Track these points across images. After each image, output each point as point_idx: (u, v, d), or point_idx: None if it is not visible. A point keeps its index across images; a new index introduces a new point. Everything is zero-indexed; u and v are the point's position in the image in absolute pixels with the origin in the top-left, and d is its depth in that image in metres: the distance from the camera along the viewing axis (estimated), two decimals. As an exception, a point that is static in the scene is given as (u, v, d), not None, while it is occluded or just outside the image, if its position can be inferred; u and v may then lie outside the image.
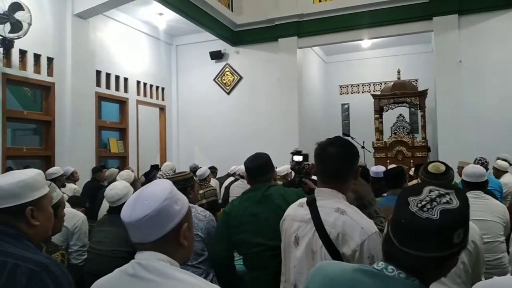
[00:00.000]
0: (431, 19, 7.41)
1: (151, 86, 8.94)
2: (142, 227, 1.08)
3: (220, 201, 5.64)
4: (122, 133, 8.09)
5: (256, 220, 2.13)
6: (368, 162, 7.89)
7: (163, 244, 1.10)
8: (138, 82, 8.51)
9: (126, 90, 8.13)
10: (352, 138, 8.22)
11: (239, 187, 4.94)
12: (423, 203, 0.90)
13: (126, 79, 8.14)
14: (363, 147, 8.30)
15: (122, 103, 8.10)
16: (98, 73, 7.44)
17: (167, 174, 3.59)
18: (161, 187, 1.15)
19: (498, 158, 5.65)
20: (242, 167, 5.39)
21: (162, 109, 9.35)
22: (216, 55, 9.09)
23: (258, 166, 2.29)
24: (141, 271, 1.06)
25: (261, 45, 8.79)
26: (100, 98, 7.49)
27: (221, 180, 6.54)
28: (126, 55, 8.13)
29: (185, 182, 2.56)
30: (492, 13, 7.15)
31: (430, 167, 2.04)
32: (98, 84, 7.42)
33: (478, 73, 7.17)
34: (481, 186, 2.95)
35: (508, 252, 2.70)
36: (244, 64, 9.02)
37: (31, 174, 1.36)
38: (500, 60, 7.10)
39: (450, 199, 0.91)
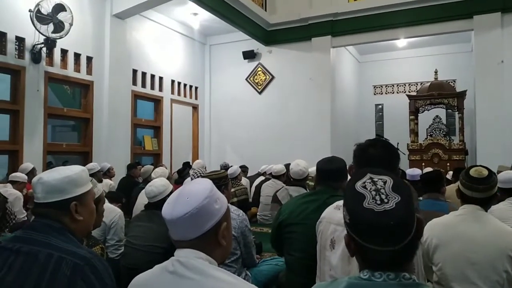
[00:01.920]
0: (471, 18, 7.13)
1: (184, 85, 9.09)
2: (183, 224, 1.10)
3: (250, 200, 5.66)
4: (157, 131, 8.27)
5: (307, 225, 2.06)
6: (402, 165, 7.70)
7: (202, 243, 1.12)
8: (173, 81, 8.67)
9: (160, 89, 8.30)
10: (385, 139, 8.03)
11: (270, 187, 4.93)
12: (375, 196, 0.88)
13: (161, 78, 8.31)
14: (397, 149, 8.09)
15: (157, 102, 8.28)
16: (134, 72, 7.63)
17: (201, 172, 3.64)
18: (202, 186, 1.17)
19: None
20: (273, 166, 5.44)
21: (195, 108, 9.49)
22: (249, 55, 9.13)
23: (333, 171, 2.17)
24: (180, 268, 1.08)
25: (294, 44, 8.75)
26: (136, 96, 7.68)
27: (252, 179, 6.56)
28: (161, 54, 8.30)
29: (219, 181, 2.57)
30: (538, 10, 6.81)
31: (472, 172, 1.96)
32: (134, 82, 7.62)
33: (521, 73, 6.85)
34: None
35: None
36: (277, 64, 9.01)
37: (76, 170, 1.40)
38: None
39: (394, 184, 0.90)
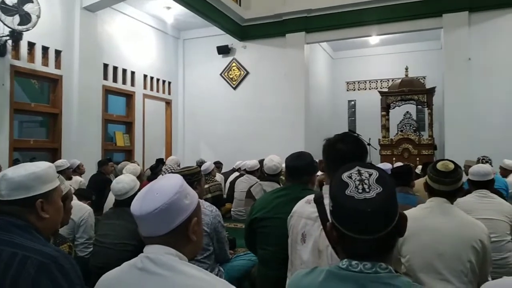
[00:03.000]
0: (440, 16, 7.34)
1: (157, 80, 8.95)
2: (152, 220, 1.09)
3: (224, 196, 5.65)
4: (128, 126, 8.12)
5: (279, 219, 2.07)
6: (374, 160, 7.87)
7: (172, 238, 1.11)
8: (145, 76, 8.53)
9: (133, 84, 8.15)
10: (358, 135, 8.16)
11: (244, 183, 4.94)
12: (358, 185, 0.91)
13: (133, 73, 8.16)
14: (369, 144, 8.24)
15: (129, 97, 8.13)
16: (106, 66, 7.46)
17: (173, 168, 3.60)
18: (172, 182, 1.16)
19: None
20: (247, 162, 5.45)
21: (168, 103, 9.37)
22: (223, 50, 9.08)
23: (302, 166, 2.21)
24: (150, 265, 1.07)
25: (268, 40, 8.76)
26: (107, 91, 7.51)
27: (226, 175, 6.55)
28: (133, 48, 8.14)
29: (192, 177, 2.56)
30: (503, 10, 7.07)
31: (439, 165, 2.02)
32: (105, 77, 7.45)
33: (487, 71, 7.10)
34: (487, 185, 2.94)
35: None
36: (251, 59, 9.00)
37: (43, 166, 1.36)
38: (510, 58, 7.02)
39: (379, 176, 0.93)
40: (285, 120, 8.42)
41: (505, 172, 5.29)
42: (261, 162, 4.87)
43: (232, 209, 5.16)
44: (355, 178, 0.93)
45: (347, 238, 0.92)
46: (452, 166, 2.02)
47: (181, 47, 9.70)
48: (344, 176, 0.95)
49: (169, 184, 1.15)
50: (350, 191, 0.91)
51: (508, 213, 2.83)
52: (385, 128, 8.01)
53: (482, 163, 4.29)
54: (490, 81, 7.09)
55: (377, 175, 0.94)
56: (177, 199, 1.11)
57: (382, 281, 0.90)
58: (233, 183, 5.43)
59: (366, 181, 0.92)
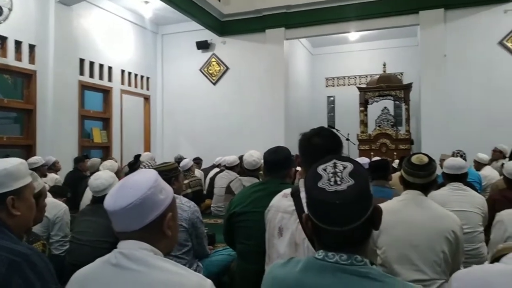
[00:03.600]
0: (417, 13, 7.47)
1: (135, 75, 8.82)
2: (126, 215, 1.08)
3: (204, 192, 5.63)
4: (106, 122, 7.99)
5: (257, 213, 2.08)
6: (353, 154, 7.97)
7: (146, 234, 1.10)
8: (123, 71, 8.39)
9: (110, 79, 8.01)
10: (337, 130, 8.22)
11: (224, 178, 4.93)
12: (331, 178, 0.93)
13: (110, 68, 8.01)
14: (347, 139, 8.35)
15: (106, 93, 7.98)
16: (82, 61, 7.30)
17: (150, 164, 3.56)
18: (146, 176, 1.15)
19: (495, 149, 5.83)
20: (227, 158, 5.43)
21: (146, 99, 9.25)
22: (203, 45, 9.01)
23: (280, 161, 2.23)
24: (123, 260, 1.06)
25: (248, 35, 8.74)
26: (83, 87, 7.36)
27: (206, 171, 6.53)
28: (110, 43, 7.99)
29: (169, 173, 2.54)
30: (478, 8, 7.25)
31: (414, 159, 2.06)
32: (82, 72, 7.29)
33: (462, 67, 7.27)
34: (461, 178, 3.02)
35: (486, 242, 2.76)
36: (231, 55, 8.97)
37: (14, 163, 1.33)
38: (484, 55, 7.22)
39: (354, 170, 0.94)
40: (265, 115, 8.43)
41: (478, 165, 5.43)
42: (241, 157, 4.86)
43: (212, 205, 5.15)
44: (329, 171, 0.95)
45: (320, 229, 0.93)
46: (426, 159, 2.06)
47: (160, 42, 9.58)
48: (320, 168, 0.97)
49: (143, 179, 1.13)
50: (322, 183, 0.92)
51: (480, 205, 2.91)
52: (364, 123, 8.12)
53: (457, 157, 4.39)
54: (465, 77, 7.27)
55: (352, 168, 0.95)
56: (151, 194, 1.10)
57: (358, 273, 0.91)
58: (213, 179, 5.41)
59: (339, 174, 0.93)
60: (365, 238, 0.97)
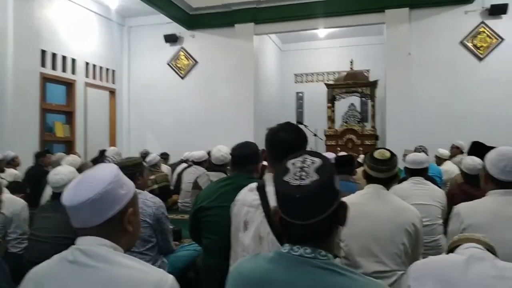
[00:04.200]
0: (383, 12, 7.64)
1: (100, 68, 8.57)
2: (84, 211, 1.05)
3: (172, 187, 5.56)
4: (69, 116, 7.73)
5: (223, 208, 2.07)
6: (320, 150, 8.08)
7: (106, 229, 1.08)
8: (87, 64, 8.13)
9: (73, 72, 7.75)
10: (305, 126, 8.34)
11: (192, 174, 4.88)
12: (297, 172, 0.94)
13: (73, 60, 7.75)
14: (315, 135, 8.46)
15: (69, 85, 7.72)
16: (43, 52, 7.03)
17: (115, 159, 3.48)
18: (106, 171, 1.12)
19: (453, 145, 6.07)
20: (195, 153, 5.38)
21: (112, 92, 9.01)
22: (171, 38, 8.86)
23: (247, 156, 2.23)
24: (81, 257, 1.03)
25: (217, 30, 8.68)
26: (45, 79, 7.09)
27: (174, 166, 6.44)
28: (74, 35, 7.72)
29: (134, 168, 2.50)
30: (442, 8, 7.50)
31: (376, 154, 2.11)
32: (43, 64, 7.02)
33: (426, 66, 7.52)
34: (422, 172, 3.13)
35: (445, 234, 2.87)
36: (200, 49, 8.88)
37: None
38: (446, 54, 7.48)
39: (321, 165, 0.95)
40: (234, 110, 8.41)
41: (439, 160, 5.64)
42: (209, 153, 4.83)
43: (179, 201, 5.09)
44: (297, 165, 0.96)
45: (286, 223, 0.95)
46: (388, 154, 2.11)
47: (126, 34, 9.35)
48: (289, 163, 0.98)
49: (103, 173, 1.11)
50: (288, 177, 0.94)
51: (439, 199, 3.03)
52: (331, 119, 8.24)
53: (419, 152, 4.53)
54: (428, 75, 7.52)
55: (320, 163, 0.96)
56: (111, 189, 1.07)
57: (322, 267, 0.93)
58: (180, 174, 5.36)
59: (306, 169, 0.94)
60: (330, 232, 0.98)
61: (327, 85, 8.38)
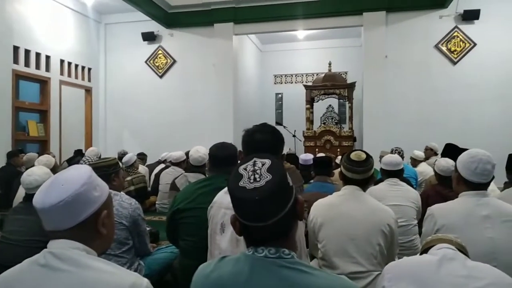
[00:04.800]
0: (361, 14, 7.75)
1: (76, 66, 8.38)
2: (56, 213, 1.04)
3: (149, 188, 5.49)
4: (43, 115, 7.53)
5: (200, 209, 2.06)
6: (299, 151, 8.14)
7: (79, 232, 1.06)
8: (62, 61, 7.94)
9: (48, 69, 7.55)
10: (284, 127, 8.41)
11: (170, 175, 4.83)
12: (250, 176, 0.95)
13: (48, 57, 7.55)
14: (294, 135, 8.53)
15: (43, 83, 7.52)
16: (16, 49, 6.82)
17: (91, 160, 3.41)
18: (79, 172, 1.10)
19: (426, 147, 6.20)
20: (173, 153, 5.33)
21: (88, 90, 8.83)
22: (149, 37, 8.75)
23: (226, 157, 2.21)
24: (53, 260, 1.01)
25: (196, 29, 8.62)
26: (18, 76, 6.87)
27: (151, 167, 6.36)
28: (48, 31, 7.53)
29: (109, 168, 2.45)
30: (417, 12, 7.66)
31: (353, 155, 2.14)
32: (16, 61, 6.81)
33: (402, 68, 7.68)
34: (398, 174, 3.19)
35: (420, 235, 2.93)
36: (178, 48, 8.80)
37: None
38: (422, 57, 7.66)
39: (271, 165, 0.97)
40: (213, 110, 8.38)
41: (415, 162, 5.76)
42: (187, 153, 4.79)
43: (156, 202, 5.04)
44: (249, 169, 0.97)
45: (247, 227, 0.96)
46: (364, 156, 2.14)
47: (103, 31, 9.17)
48: (241, 168, 0.99)
49: (76, 174, 1.08)
50: (243, 182, 0.95)
51: (414, 200, 3.09)
52: (309, 120, 8.30)
53: (394, 153, 4.62)
54: (404, 78, 7.68)
55: (270, 164, 0.97)
56: (84, 191, 1.06)
57: (287, 266, 0.94)
58: (158, 175, 5.29)
59: (258, 171, 0.95)
60: (290, 229, 0.99)
61: (306, 87, 8.45)
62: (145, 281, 1.04)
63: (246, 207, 0.94)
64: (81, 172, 1.09)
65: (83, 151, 6.78)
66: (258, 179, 0.94)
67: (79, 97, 8.67)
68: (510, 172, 3.03)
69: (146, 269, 2.47)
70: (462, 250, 1.38)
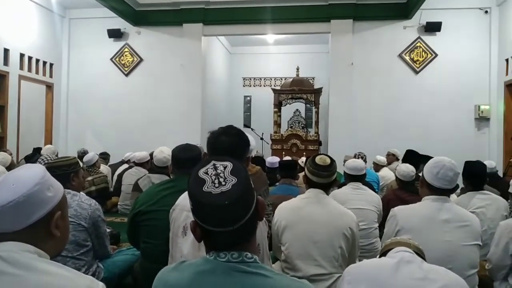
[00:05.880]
0: (329, 22, 7.90)
1: (37, 60, 8.05)
2: (6, 214, 0.99)
3: (111, 189, 5.34)
4: (0, 111, 7.17)
5: (162, 212, 2.02)
6: (266, 153, 8.18)
7: (31, 234, 1.02)
8: (22, 55, 7.59)
9: (6, 63, 7.19)
10: (252, 129, 8.43)
11: (133, 175, 4.72)
12: (214, 180, 0.93)
13: (6, 51, 7.19)
14: (261, 138, 8.56)
15: (1, 78, 7.16)
16: (-29, 40, 6.48)
17: (49, 159, 3.27)
18: (32, 172, 1.06)
19: (389, 153, 6.38)
20: (137, 154, 5.22)
21: (49, 87, 8.50)
22: (115, 34, 8.53)
23: (189, 158, 2.18)
24: (1, 264, 0.95)
25: (164, 28, 8.49)
26: (-27, 69, 6.53)
27: (114, 167, 6.19)
28: (8, 23, 7.18)
29: (69, 168, 2.37)
30: (383, 22, 7.90)
31: (318, 160, 2.16)
32: (-29, 53, 6.47)
33: (367, 76, 7.88)
34: (360, 178, 3.26)
35: (380, 238, 3.01)
36: (146, 46, 8.63)
37: None
38: (386, 66, 7.89)
39: (234, 167, 0.95)
40: (180, 111, 8.27)
41: (377, 167, 5.91)
42: (151, 154, 4.71)
43: (119, 203, 4.91)
44: (211, 173, 0.94)
45: (211, 233, 0.93)
46: (328, 160, 2.17)
47: (67, 26, 8.86)
48: (201, 172, 0.95)
49: (29, 174, 1.03)
50: (207, 187, 0.91)
51: (376, 203, 3.17)
52: (277, 124, 8.37)
53: (358, 158, 4.72)
54: (368, 85, 7.88)
55: (232, 166, 0.95)
56: (37, 191, 1.01)
57: (249, 271, 0.93)
58: (121, 175, 5.16)
59: (222, 174, 0.93)
60: (253, 232, 0.98)
61: (274, 90, 8.52)
62: (100, 284, 1.01)
63: (213, 213, 0.90)
64: (34, 172, 1.05)
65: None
66: (223, 183, 0.91)
67: (40, 93, 8.32)
68: (466, 178, 3.16)
69: (105, 272, 2.40)
70: (419, 253, 1.42)
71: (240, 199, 0.90)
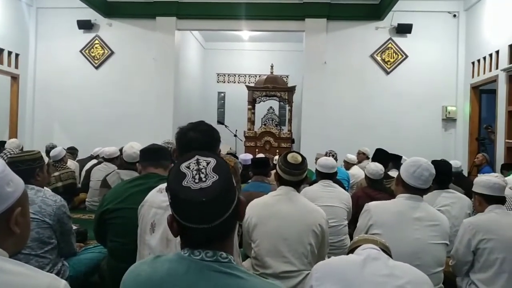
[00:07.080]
0: (303, 20, 7.95)
1: (1, 50, 7.71)
2: None
3: (79, 185, 5.20)
4: (-40, 102, 6.86)
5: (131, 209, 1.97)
6: (239, 150, 8.17)
7: None
8: (-15, 44, 7.28)
9: (-33, 52, 6.88)
10: (226, 126, 8.39)
11: (101, 171, 4.61)
12: (195, 175, 0.91)
13: (-32, 39, 6.89)
14: (235, 135, 8.54)
15: (-38, 67, 6.85)
16: None
17: (13, 152, 3.15)
18: (-10, 166, 0.99)
19: (359, 151, 6.48)
20: (106, 149, 5.11)
21: (15, 78, 8.16)
22: (85, 25, 8.28)
23: (156, 150, 2.21)
24: (-47, 264, 0.90)
25: (137, 20, 8.32)
26: None
27: (82, 162, 6.02)
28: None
29: (33, 163, 2.28)
30: (356, 22, 8.02)
31: (289, 157, 2.17)
32: None
33: (339, 75, 7.99)
34: (331, 176, 3.31)
35: (350, 235, 3.06)
36: (117, 39, 8.42)
37: None
38: (358, 65, 8.03)
39: (216, 164, 0.94)
40: (152, 106, 8.14)
41: (348, 165, 6.00)
42: (121, 149, 4.61)
43: (86, 199, 4.79)
44: (193, 168, 0.92)
45: (187, 229, 0.91)
46: (300, 158, 2.19)
47: (34, 15, 8.52)
48: (183, 166, 0.93)
49: (-14, 169, 0.98)
50: (187, 182, 0.90)
51: (346, 201, 3.22)
52: (251, 121, 8.37)
53: (329, 156, 4.77)
54: (341, 84, 8.00)
55: (215, 163, 0.94)
56: (-5, 187, 0.96)
57: (223, 270, 0.92)
58: (89, 171, 5.03)
59: (203, 170, 0.92)
60: (231, 231, 0.97)
61: (248, 87, 8.50)
62: (63, 282, 0.97)
63: (190, 209, 0.88)
64: (-7, 166, 0.99)
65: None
66: (204, 179, 0.89)
67: (4, 85, 7.99)
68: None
69: (70, 270, 2.33)
70: (386, 250, 1.45)
71: (219, 197, 0.89)
